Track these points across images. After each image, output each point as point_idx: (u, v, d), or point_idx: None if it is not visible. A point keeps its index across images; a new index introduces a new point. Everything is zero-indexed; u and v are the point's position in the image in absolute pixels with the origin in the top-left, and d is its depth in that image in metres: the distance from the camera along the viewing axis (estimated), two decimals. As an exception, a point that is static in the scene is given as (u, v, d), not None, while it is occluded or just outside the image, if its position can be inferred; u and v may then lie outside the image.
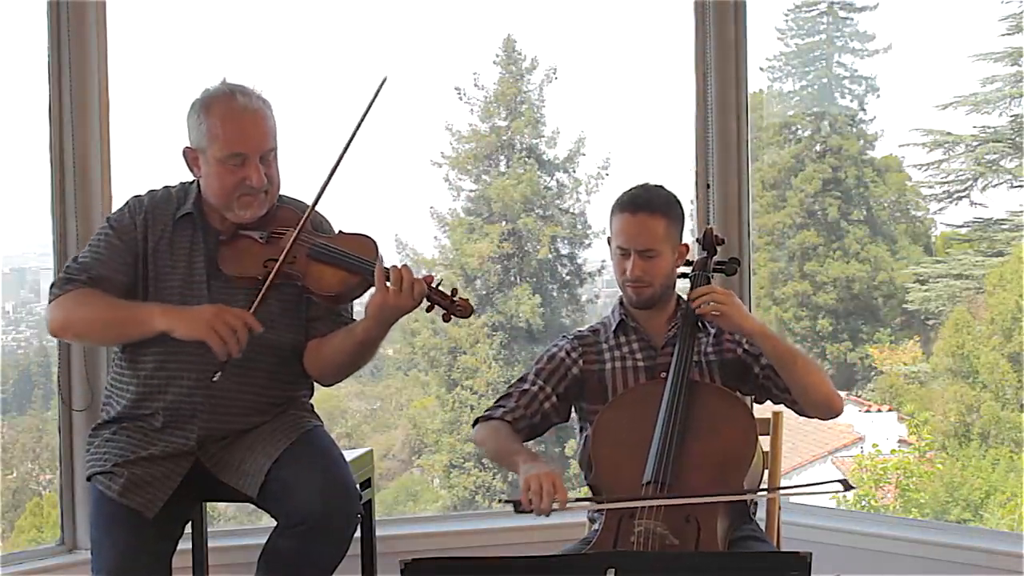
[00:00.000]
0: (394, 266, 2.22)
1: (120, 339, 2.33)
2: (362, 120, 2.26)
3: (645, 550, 2.07)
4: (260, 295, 2.23)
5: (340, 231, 2.40)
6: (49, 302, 2.31)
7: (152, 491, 2.24)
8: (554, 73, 15.19)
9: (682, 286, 2.54)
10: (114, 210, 2.45)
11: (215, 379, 2.20)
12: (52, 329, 2.34)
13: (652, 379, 2.42)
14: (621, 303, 2.51)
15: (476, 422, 2.48)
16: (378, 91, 2.26)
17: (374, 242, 2.31)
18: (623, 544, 2.14)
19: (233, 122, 2.26)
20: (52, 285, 2.33)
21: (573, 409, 2.53)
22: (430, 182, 14.58)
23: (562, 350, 2.51)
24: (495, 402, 2.49)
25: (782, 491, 2.48)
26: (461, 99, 15.19)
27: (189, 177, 2.42)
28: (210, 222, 2.36)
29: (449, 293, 2.24)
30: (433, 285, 2.22)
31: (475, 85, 15.19)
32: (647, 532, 2.11)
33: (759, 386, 2.45)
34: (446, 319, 2.24)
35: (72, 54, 3.00)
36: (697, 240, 2.59)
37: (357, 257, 2.26)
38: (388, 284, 2.20)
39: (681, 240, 2.46)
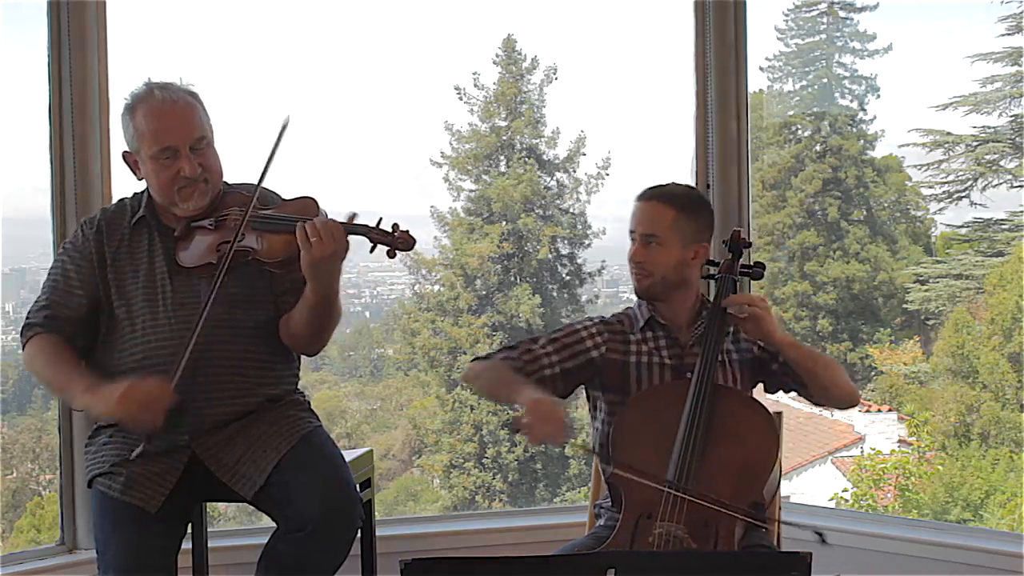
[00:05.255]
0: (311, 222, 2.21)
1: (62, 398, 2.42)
2: (272, 155, 2.28)
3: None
4: (218, 278, 2.23)
5: (283, 200, 2.39)
6: (22, 347, 2.38)
7: (153, 487, 2.25)
8: (554, 73, 15.22)
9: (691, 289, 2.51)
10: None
11: (133, 456, 2.23)
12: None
13: (678, 378, 2.39)
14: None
15: (473, 361, 2.43)
16: (281, 133, 2.27)
17: (315, 201, 2.30)
18: (640, 544, 2.11)
19: (156, 118, 2.29)
20: (23, 327, 2.39)
21: (586, 395, 2.49)
22: (430, 182, 14.62)
23: (586, 330, 2.46)
24: (496, 351, 2.44)
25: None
26: (461, 99, 15.22)
27: None
28: (164, 222, 2.38)
29: (374, 224, 2.22)
30: (355, 221, 2.20)
31: (475, 85, 15.22)
32: (667, 535, 2.10)
33: (776, 381, 2.46)
34: (390, 255, 2.21)
35: (72, 54, 3.00)
36: (724, 241, 2.54)
37: (299, 218, 2.23)
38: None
39: (701, 240, 2.43)
